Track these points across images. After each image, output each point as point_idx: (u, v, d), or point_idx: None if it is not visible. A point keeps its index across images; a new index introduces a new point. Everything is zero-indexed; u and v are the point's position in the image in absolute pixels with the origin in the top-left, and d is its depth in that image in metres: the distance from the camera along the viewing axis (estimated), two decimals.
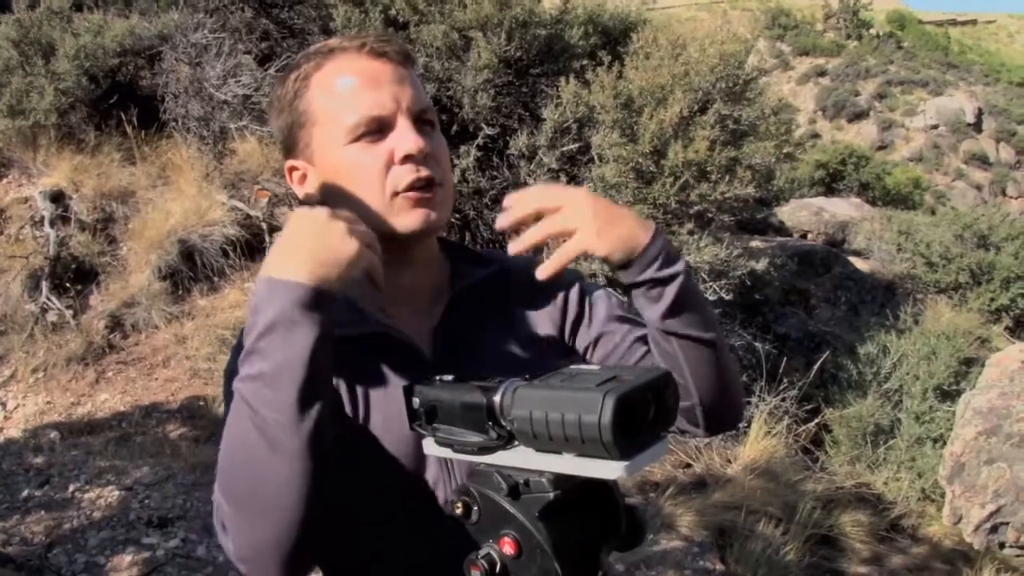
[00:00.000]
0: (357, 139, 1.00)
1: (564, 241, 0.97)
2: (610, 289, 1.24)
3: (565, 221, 0.96)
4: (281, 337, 0.84)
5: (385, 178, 1.00)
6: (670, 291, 0.99)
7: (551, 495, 0.80)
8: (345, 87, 1.01)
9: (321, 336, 0.84)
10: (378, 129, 1.00)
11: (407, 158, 0.99)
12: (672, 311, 1.00)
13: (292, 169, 1.08)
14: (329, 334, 0.86)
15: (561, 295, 1.17)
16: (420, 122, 1.03)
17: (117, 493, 3.74)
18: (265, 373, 0.84)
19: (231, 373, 0.99)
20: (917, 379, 6.71)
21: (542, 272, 0.98)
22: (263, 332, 0.84)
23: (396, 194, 1.00)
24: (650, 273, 0.98)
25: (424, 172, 1.00)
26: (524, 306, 1.16)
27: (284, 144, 1.09)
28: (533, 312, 1.16)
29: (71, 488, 3.76)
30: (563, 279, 1.17)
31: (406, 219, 1.01)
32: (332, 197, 1.03)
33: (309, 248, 0.86)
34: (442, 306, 1.10)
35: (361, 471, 1.00)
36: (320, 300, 0.85)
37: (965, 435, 4.92)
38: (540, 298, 1.16)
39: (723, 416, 1.11)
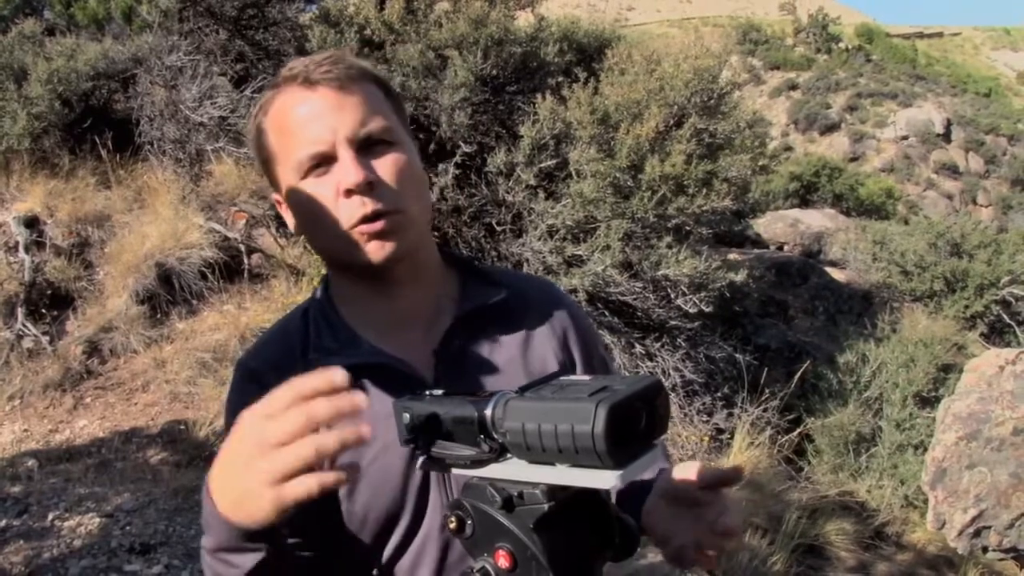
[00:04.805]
0: (306, 175, 1.01)
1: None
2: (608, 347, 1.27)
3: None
4: (226, 560, 0.88)
5: (337, 211, 1.00)
6: None
7: (545, 506, 0.80)
8: (289, 124, 1.02)
9: (264, 560, 0.86)
10: (322, 163, 1.00)
11: (349, 192, 0.98)
12: None
13: (277, 201, 1.12)
14: (276, 550, 0.87)
15: (566, 333, 1.17)
16: (367, 146, 1.00)
17: (98, 520, 3.68)
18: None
19: (234, 409, 1.04)
20: (896, 386, 6.76)
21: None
22: (212, 550, 0.88)
23: (351, 227, 1.00)
24: None
25: (370, 206, 0.98)
26: (531, 333, 1.14)
27: (266, 178, 1.12)
28: (539, 341, 1.14)
29: (50, 516, 3.70)
30: (575, 314, 1.20)
31: (365, 253, 1.01)
32: (305, 229, 1.07)
33: (238, 491, 0.79)
34: (444, 327, 1.08)
35: (358, 501, 1.01)
36: (257, 535, 0.82)
37: (946, 440, 4.95)
38: (548, 328, 1.16)
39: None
